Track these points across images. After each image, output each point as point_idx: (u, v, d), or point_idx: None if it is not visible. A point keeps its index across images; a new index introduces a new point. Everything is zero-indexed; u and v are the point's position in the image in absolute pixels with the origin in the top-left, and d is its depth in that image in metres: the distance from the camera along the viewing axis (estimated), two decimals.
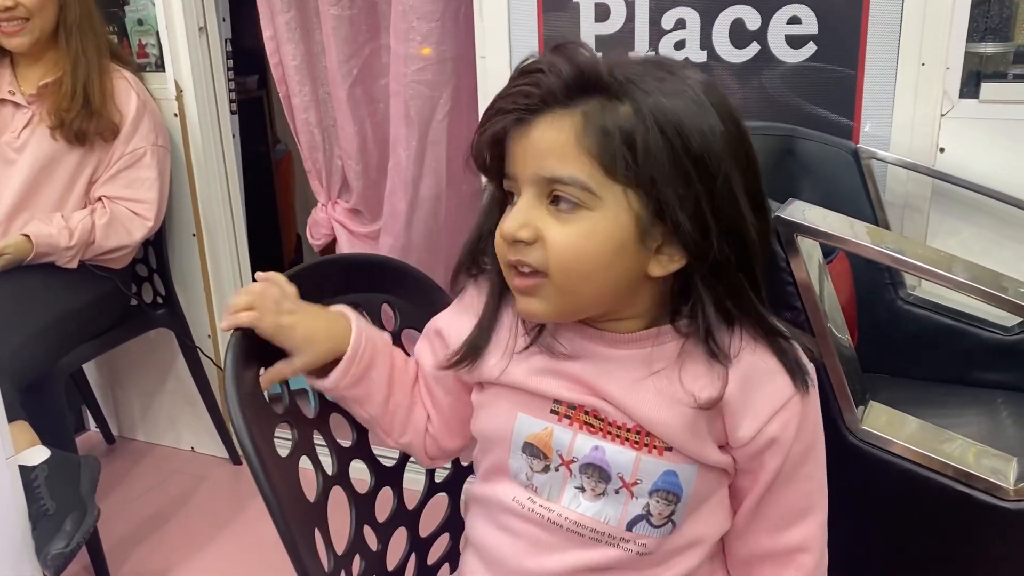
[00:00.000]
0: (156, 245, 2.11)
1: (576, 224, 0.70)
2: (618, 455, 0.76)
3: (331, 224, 2.13)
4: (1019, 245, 1.48)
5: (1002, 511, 0.95)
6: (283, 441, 0.81)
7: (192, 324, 2.20)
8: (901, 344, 1.48)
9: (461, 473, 1.03)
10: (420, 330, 1.00)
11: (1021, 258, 1.47)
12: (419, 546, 1.00)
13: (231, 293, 2.21)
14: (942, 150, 1.50)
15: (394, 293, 1.01)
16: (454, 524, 1.03)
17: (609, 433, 0.77)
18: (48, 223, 1.80)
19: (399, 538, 0.97)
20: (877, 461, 1.00)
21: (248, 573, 1.87)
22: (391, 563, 0.95)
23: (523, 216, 0.72)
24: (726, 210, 0.69)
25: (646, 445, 0.76)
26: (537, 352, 0.79)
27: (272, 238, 3.12)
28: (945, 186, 1.51)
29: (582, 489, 0.78)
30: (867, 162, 1.50)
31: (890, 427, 1.01)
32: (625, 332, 0.77)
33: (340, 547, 0.85)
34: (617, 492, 0.77)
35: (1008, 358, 1.42)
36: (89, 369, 2.38)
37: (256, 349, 0.82)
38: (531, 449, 0.79)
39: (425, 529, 1.01)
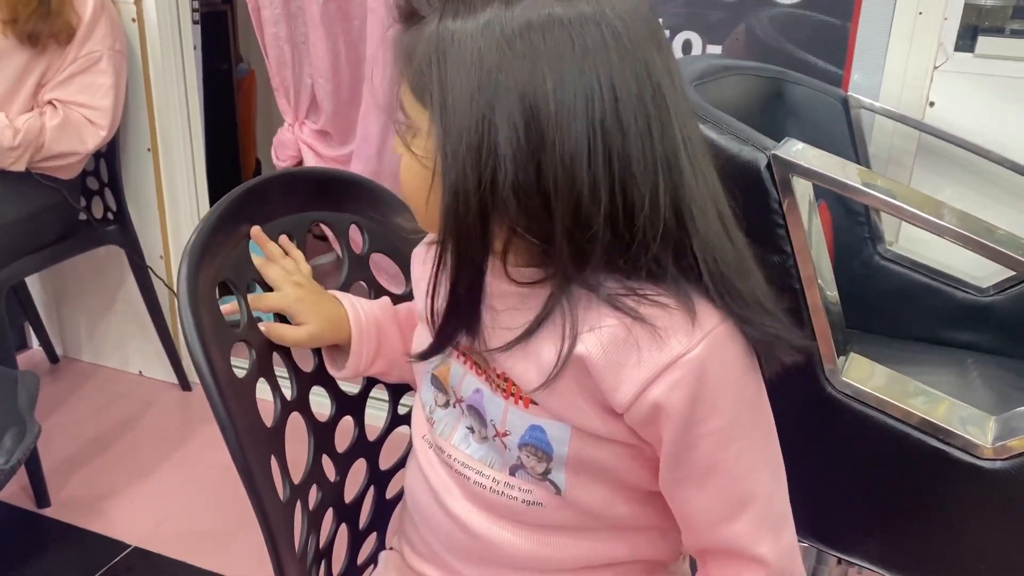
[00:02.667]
0: (108, 158, 2.00)
1: (407, 155, 0.66)
2: (491, 402, 0.71)
3: (298, 145, 2.05)
4: (1001, 205, 1.47)
5: (977, 469, 0.93)
6: (239, 369, 0.75)
7: (144, 243, 2.11)
8: (875, 300, 1.46)
9: None
10: (389, 254, 0.96)
11: (1003, 218, 1.45)
12: (378, 479, 0.96)
13: (186, 212, 2.12)
14: (932, 104, 1.46)
15: (363, 214, 0.95)
16: None
17: (489, 378, 0.71)
18: None
19: (358, 470, 0.92)
20: (855, 413, 0.97)
21: (192, 500, 1.82)
22: (349, 495, 0.91)
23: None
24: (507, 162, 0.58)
25: (512, 395, 0.69)
26: None
27: (231, 161, 3.02)
28: (931, 141, 1.48)
29: (471, 430, 0.74)
30: (855, 111, 1.46)
31: (870, 379, 0.98)
32: (511, 265, 0.65)
33: (297, 476, 0.80)
34: (493, 439, 0.71)
35: (980, 319, 1.41)
36: (33, 284, 2.28)
37: (213, 261, 0.76)
38: (436, 382, 0.77)
39: (385, 462, 0.96)
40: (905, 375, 1.04)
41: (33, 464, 1.76)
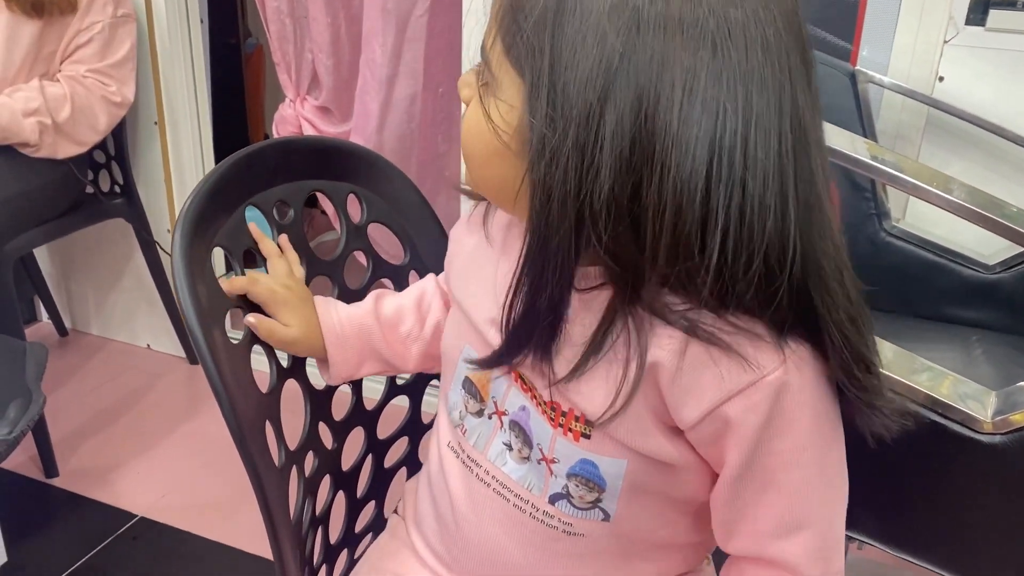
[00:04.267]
0: (115, 131, 1.99)
1: (478, 105, 0.59)
2: (539, 426, 0.64)
3: (299, 121, 2.04)
4: (1011, 182, 1.45)
5: (977, 443, 0.92)
6: (234, 336, 0.75)
7: (151, 217, 2.11)
8: (881, 277, 1.42)
9: (423, 376, 0.99)
10: (388, 224, 0.95)
11: (1012, 195, 1.43)
12: (376, 448, 0.96)
13: (193, 186, 2.11)
14: (941, 79, 1.45)
15: (362, 184, 0.94)
16: (413, 428, 0.99)
17: (535, 398, 0.64)
18: None
19: (355, 438, 0.93)
20: None
21: (199, 472, 1.83)
22: (346, 463, 0.91)
23: (472, 75, 0.61)
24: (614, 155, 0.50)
25: (561, 425, 0.62)
26: (488, 273, 0.69)
27: (239, 136, 3.01)
28: (939, 117, 1.46)
29: (509, 447, 0.67)
30: (863, 86, 1.44)
31: None
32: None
33: (293, 443, 0.80)
34: (539, 463, 0.65)
35: (986, 297, 1.40)
36: (42, 258, 2.29)
37: (209, 227, 0.76)
38: (470, 386, 0.71)
39: (383, 431, 0.96)
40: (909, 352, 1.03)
41: (41, 435, 1.77)
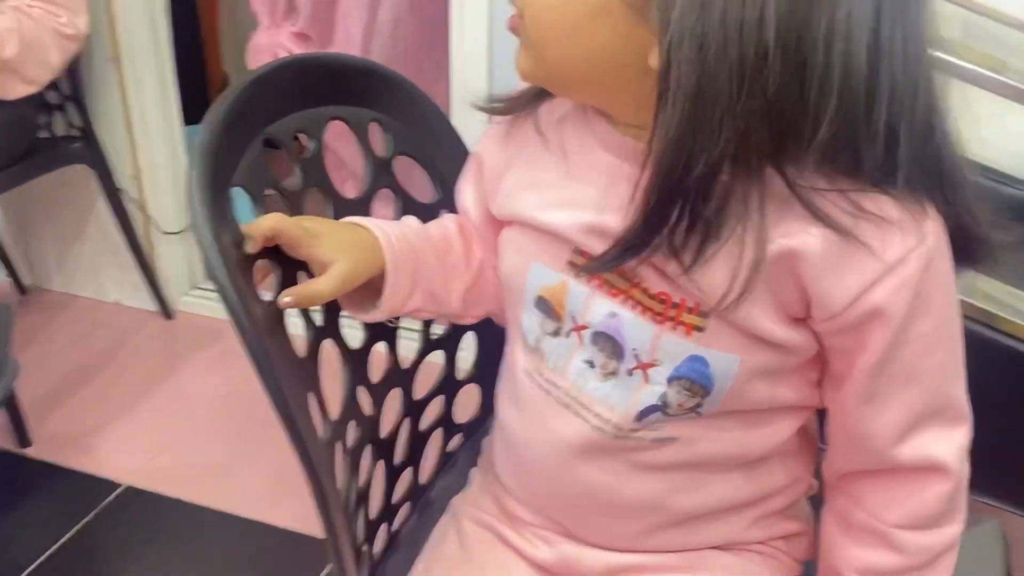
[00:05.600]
0: (71, 68, 1.82)
1: None
2: (635, 328, 0.60)
3: (275, 50, 1.88)
4: None
5: None
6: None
7: (111, 163, 1.94)
8: None
9: (459, 328, 0.88)
10: (416, 157, 0.84)
11: None
12: (412, 410, 0.86)
13: (157, 128, 1.95)
14: None
15: (385, 111, 0.82)
16: (449, 385, 0.89)
17: (631, 298, 0.60)
18: None
19: (392, 401, 0.82)
20: None
21: (185, 433, 1.72)
22: (383, 429, 0.81)
23: None
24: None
25: (671, 319, 0.59)
26: (554, 178, 0.64)
27: (196, 76, 2.82)
28: (976, 23, 1.36)
29: (591, 364, 0.64)
30: None
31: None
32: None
33: (333, 413, 0.70)
34: (630, 373, 0.62)
35: None
36: None
37: (225, 164, 0.63)
38: (544, 305, 0.65)
39: (419, 392, 0.86)
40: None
41: (10, 400, 1.63)
